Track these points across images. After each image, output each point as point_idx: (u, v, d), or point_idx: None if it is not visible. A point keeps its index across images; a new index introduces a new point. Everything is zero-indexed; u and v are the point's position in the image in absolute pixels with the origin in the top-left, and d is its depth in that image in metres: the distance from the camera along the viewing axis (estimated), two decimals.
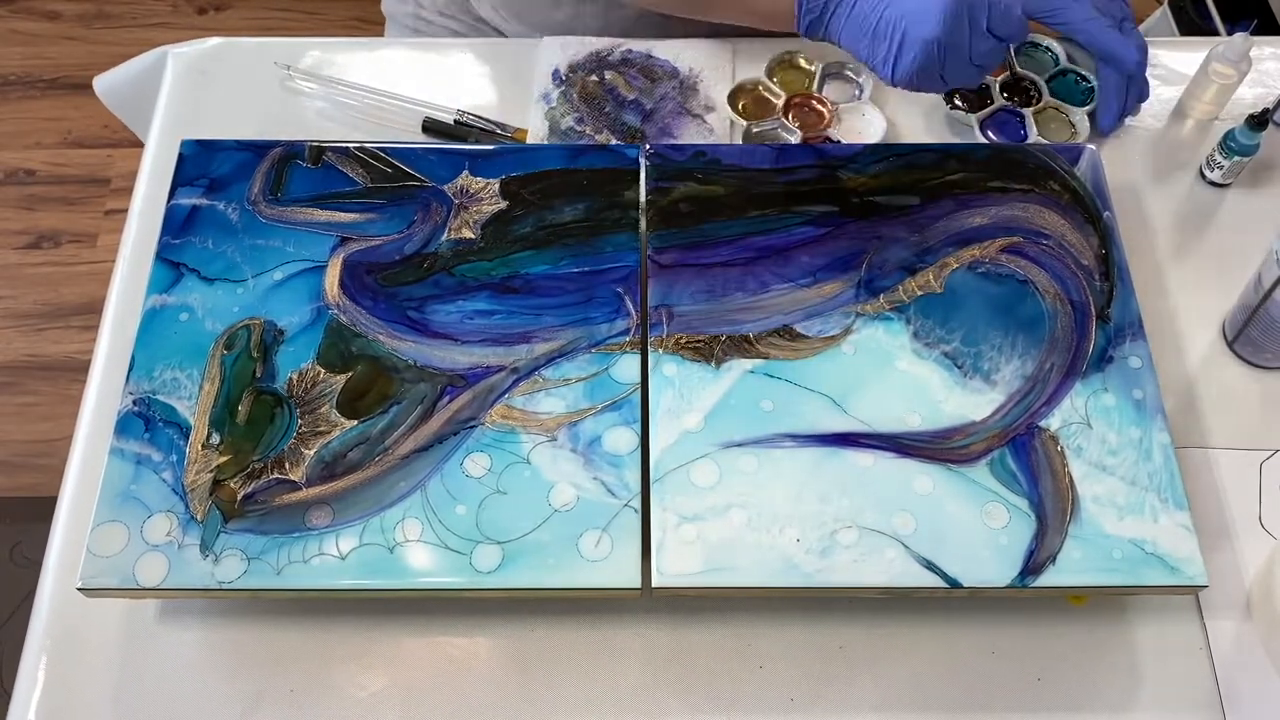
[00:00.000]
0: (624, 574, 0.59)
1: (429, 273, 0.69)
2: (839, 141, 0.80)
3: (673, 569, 0.59)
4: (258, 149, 0.74)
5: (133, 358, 0.65)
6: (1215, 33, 1.46)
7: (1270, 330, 0.69)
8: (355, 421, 0.64)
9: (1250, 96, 0.84)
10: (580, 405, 0.64)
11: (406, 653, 0.63)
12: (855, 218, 0.71)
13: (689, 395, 0.64)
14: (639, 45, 0.85)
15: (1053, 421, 0.64)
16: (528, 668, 0.63)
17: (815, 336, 0.66)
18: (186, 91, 0.84)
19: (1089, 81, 0.83)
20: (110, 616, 0.64)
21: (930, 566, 0.59)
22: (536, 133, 0.81)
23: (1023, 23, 0.70)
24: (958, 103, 0.83)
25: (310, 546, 0.60)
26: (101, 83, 0.90)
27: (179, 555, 0.59)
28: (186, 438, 0.63)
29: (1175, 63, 0.86)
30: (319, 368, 0.65)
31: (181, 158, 0.73)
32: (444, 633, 0.64)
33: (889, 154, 0.74)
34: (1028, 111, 0.82)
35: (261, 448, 0.63)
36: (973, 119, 0.81)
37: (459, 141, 0.80)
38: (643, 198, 0.72)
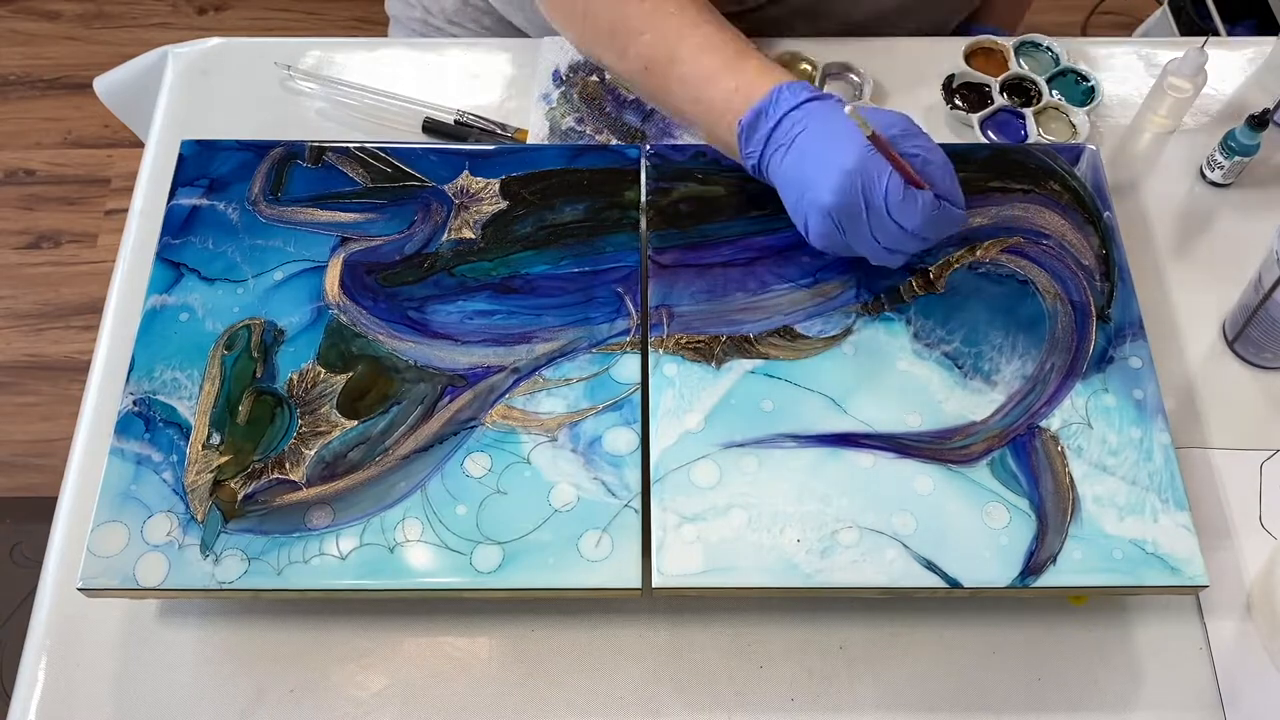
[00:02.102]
0: (624, 574, 0.59)
1: (429, 273, 0.69)
2: None
3: (673, 569, 0.59)
4: (258, 149, 0.74)
5: (133, 358, 0.65)
6: (1215, 33, 1.46)
7: (1270, 330, 0.69)
8: (355, 422, 0.64)
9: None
10: (581, 405, 0.64)
11: (406, 653, 0.63)
12: None
13: (689, 395, 0.64)
14: None
15: (1053, 422, 0.64)
16: (528, 668, 0.63)
17: (816, 337, 0.66)
18: (186, 91, 0.84)
19: (1089, 81, 0.83)
20: (110, 616, 0.64)
21: (930, 567, 0.59)
22: (537, 133, 0.81)
23: (928, 214, 0.61)
24: (958, 103, 0.83)
25: (310, 547, 0.60)
26: (102, 83, 0.90)
27: (179, 555, 0.59)
28: (187, 438, 0.63)
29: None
30: (319, 368, 0.65)
31: (182, 158, 0.73)
32: (444, 633, 0.64)
33: None
34: (1028, 111, 0.82)
35: (262, 448, 0.63)
36: (973, 119, 0.81)
37: (459, 141, 0.80)
38: (643, 198, 0.72)
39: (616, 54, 0.72)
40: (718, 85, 0.67)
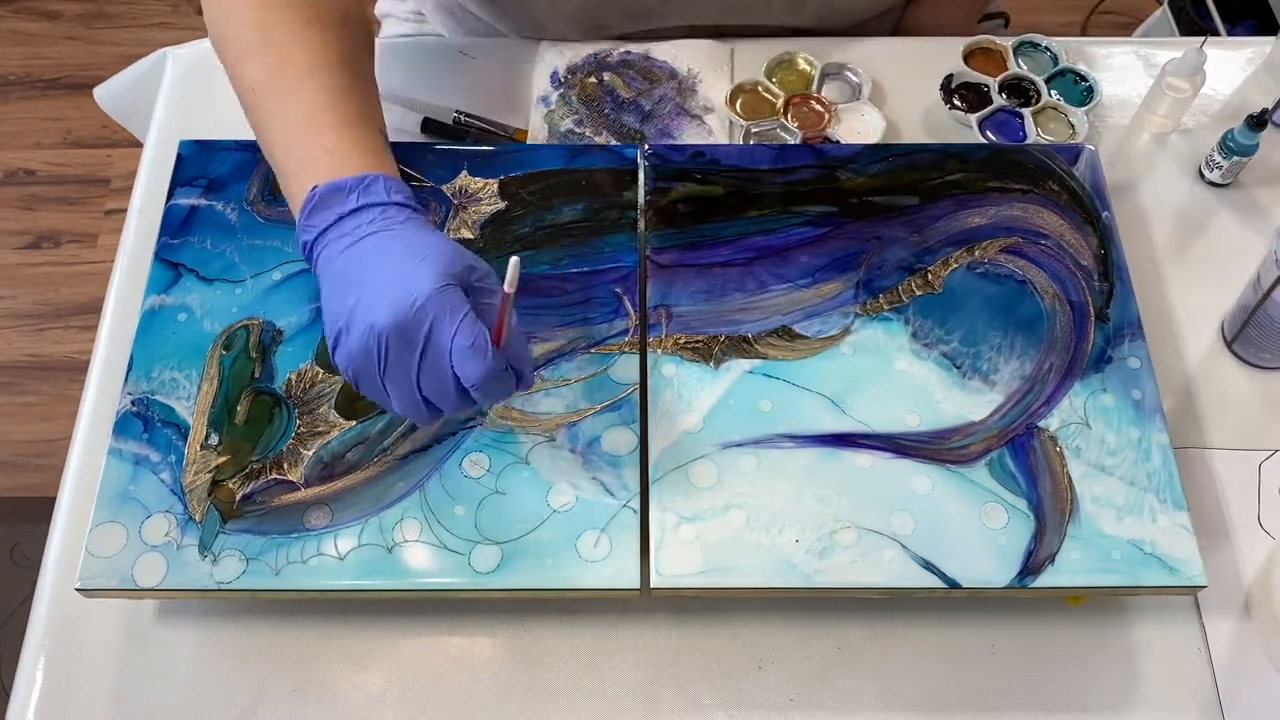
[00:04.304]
0: (623, 574, 0.59)
1: None
2: (838, 141, 0.80)
3: (672, 569, 0.59)
4: (256, 149, 0.73)
5: (131, 358, 0.65)
6: (1215, 33, 1.46)
7: (1269, 330, 0.69)
8: (354, 422, 0.64)
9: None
10: (579, 405, 0.64)
11: (406, 653, 0.63)
12: (854, 218, 0.71)
13: (688, 395, 0.64)
14: (637, 47, 0.85)
15: (1051, 422, 0.64)
16: (527, 668, 0.63)
17: (814, 337, 0.66)
18: (186, 92, 0.84)
19: (1088, 81, 0.83)
20: (109, 617, 0.64)
21: (929, 567, 0.59)
22: (536, 135, 0.81)
23: (493, 373, 0.53)
24: (956, 103, 0.83)
25: (309, 547, 0.60)
26: (102, 91, 0.90)
27: (177, 556, 0.59)
28: (185, 438, 0.63)
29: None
30: (318, 368, 0.65)
31: (180, 158, 0.73)
32: (444, 633, 0.64)
33: (888, 154, 0.74)
34: (1027, 111, 0.82)
35: (260, 448, 0.63)
36: (972, 119, 0.81)
37: (458, 141, 0.80)
38: (642, 198, 0.72)
39: (234, 58, 0.63)
40: (316, 139, 0.58)
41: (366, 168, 0.58)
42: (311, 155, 0.58)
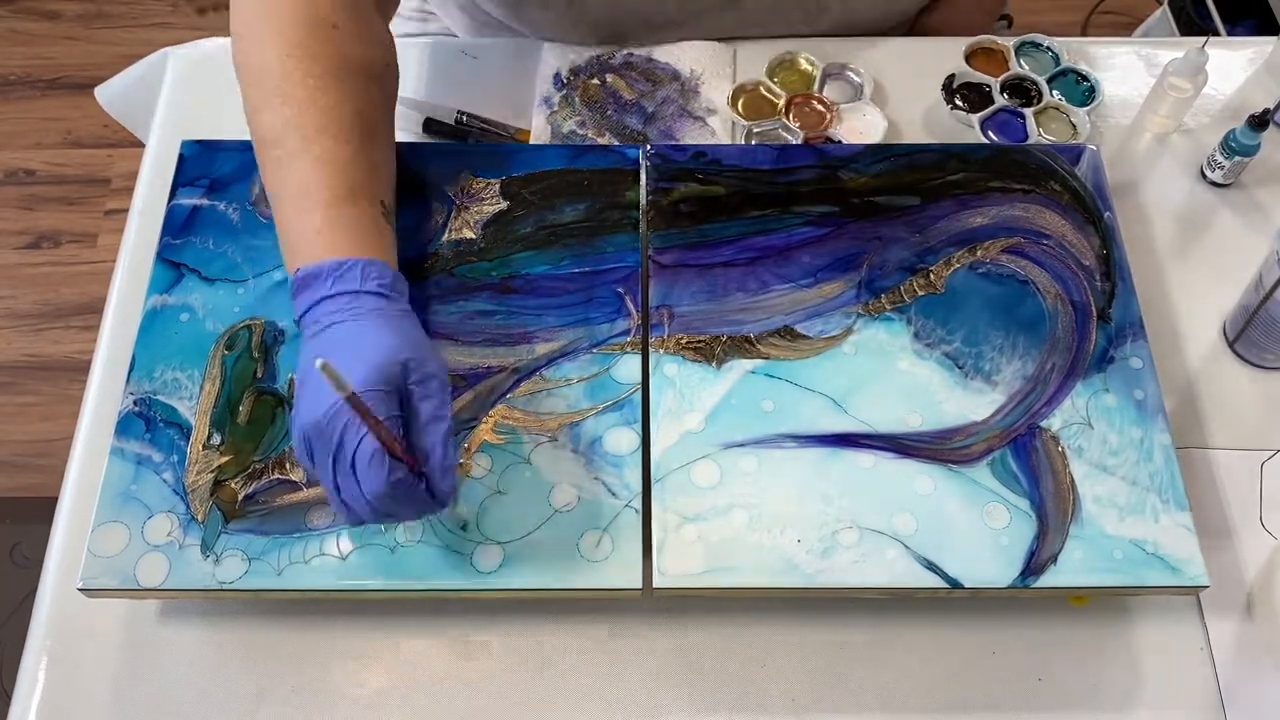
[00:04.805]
0: (625, 574, 0.59)
1: (429, 273, 0.69)
2: (840, 141, 0.80)
3: (674, 569, 0.59)
4: None
5: (133, 358, 0.65)
6: (1215, 33, 1.46)
7: (1271, 331, 0.69)
8: None
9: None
10: (581, 405, 0.64)
11: (406, 653, 0.63)
12: (856, 218, 0.71)
13: (690, 395, 0.64)
14: (640, 48, 0.85)
15: (1054, 422, 0.64)
16: (529, 668, 0.63)
17: (816, 337, 0.66)
18: (186, 92, 0.84)
19: (1089, 81, 0.83)
20: (111, 616, 0.64)
21: (931, 567, 0.59)
22: (538, 136, 0.81)
23: (394, 488, 0.53)
24: (958, 103, 0.83)
25: (311, 547, 0.60)
26: (103, 92, 0.90)
27: (180, 555, 0.59)
28: (187, 438, 0.63)
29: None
30: None
31: (182, 158, 0.73)
32: (445, 633, 0.64)
33: (890, 154, 0.74)
34: (1028, 111, 0.82)
35: (262, 448, 0.63)
36: (973, 119, 0.81)
37: (460, 141, 0.80)
38: (644, 198, 0.72)
39: (253, 106, 0.63)
40: (307, 218, 0.59)
41: (351, 250, 0.59)
42: (303, 235, 0.60)
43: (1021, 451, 0.63)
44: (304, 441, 0.54)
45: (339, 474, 0.54)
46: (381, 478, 0.52)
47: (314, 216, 0.60)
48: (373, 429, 0.52)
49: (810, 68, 0.84)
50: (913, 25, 0.96)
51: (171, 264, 0.69)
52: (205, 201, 0.71)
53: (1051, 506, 0.61)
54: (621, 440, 0.63)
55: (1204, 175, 0.80)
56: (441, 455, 0.55)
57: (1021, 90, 0.84)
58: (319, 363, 0.48)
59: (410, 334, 0.58)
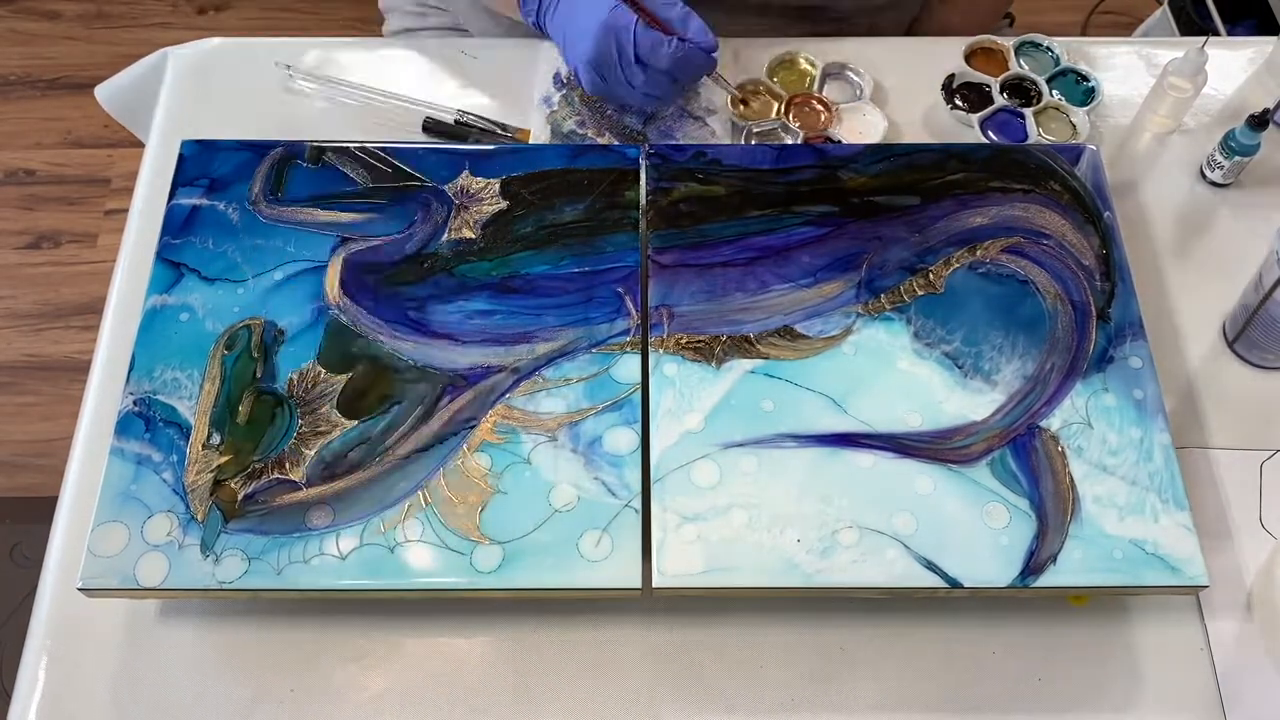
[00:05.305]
0: (624, 574, 0.59)
1: (429, 273, 0.69)
2: (839, 141, 0.80)
3: (673, 569, 0.59)
4: (258, 149, 0.74)
5: (133, 358, 0.65)
6: (1215, 33, 1.46)
7: (1271, 330, 0.69)
8: (356, 421, 0.64)
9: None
10: (581, 405, 0.64)
11: (406, 653, 0.63)
12: (856, 218, 0.71)
13: (689, 395, 0.64)
14: None
15: (1053, 422, 0.64)
16: (528, 668, 0.63)
17: (816, 337, 0.66)
18: (186, 92, 0.84)
19: (1089, 81, 0.83)
20: (110, 616, 0.64)
21: (931, 567, 0.59)
22: (538, 136, 0.81)
23: (673, 56, 0.72)
24: (958, 103, 0.83)
25: (311, 546, 0.60)
26: (103, 90, 0.90)
27: (179, 555, 0.59)
28: (187, 438, 0.63)
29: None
30: (319, 368, 0.65)
31: (182, 158, 0.73)
32: (444, 633, 0.64)
33: (889, 154, 0.74)
34: (1028, 111, 0.82)
35: (262, 448, 0.63)
36: (973, 119, 0.81)
37: (459, 141, 0.80)
38: (643, 198, 0.72)
39: None
40: None
41: None
42: None
43: (1021, 451, 0.63)
44: (591, 70, 0.73)
45: (628, 74, 0.72)
46: (663, 53, 0.71)
47: None
48: (641, 12, 0.71)
49: (810, 68, 0.84)
50: (917, 25, 0.96)
51: (171, 264, 0.69)
52: (205, 201, 0.71)
53: (1051, 506, 0.61)
54: (621, 440, 0.63)
55: (1204, 175, 0.80)
56: (697, 22, 0.73)
57: (1021, 90, 0.84)
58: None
59: None
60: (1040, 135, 0.81)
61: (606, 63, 0.72)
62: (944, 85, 0.83)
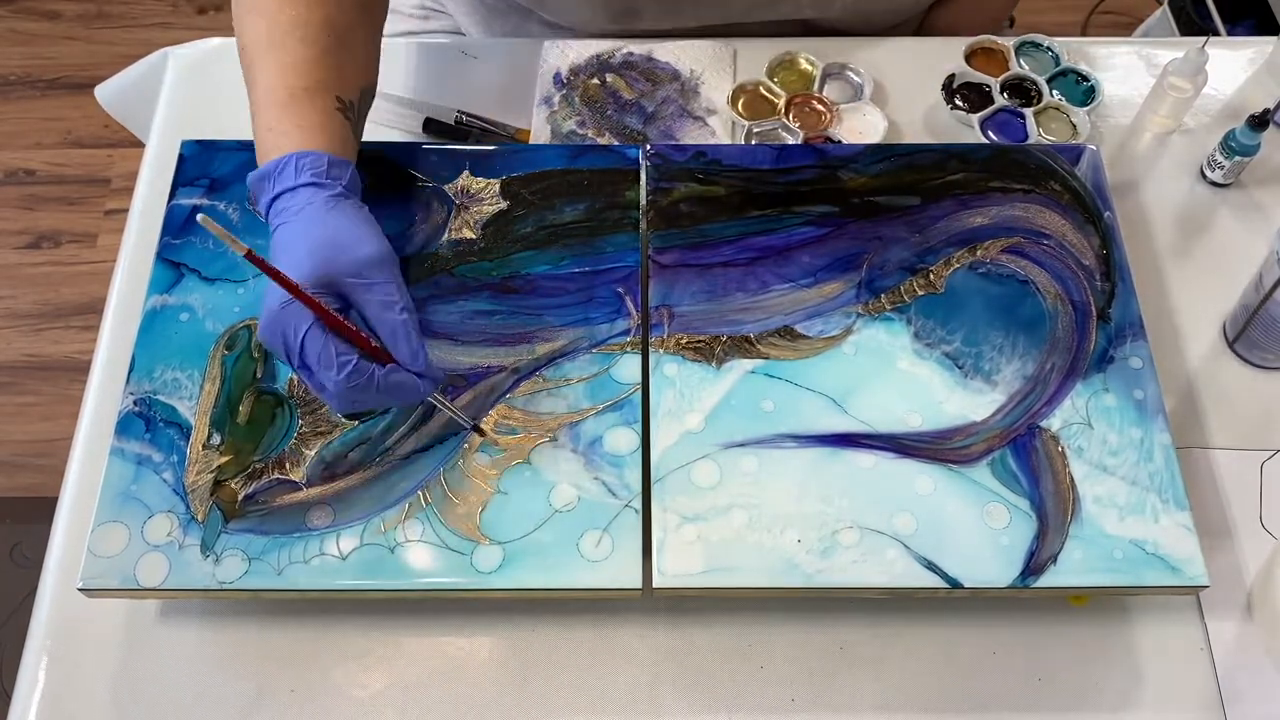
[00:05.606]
0: (625, 574, 0.59)
1: (429, 273, 0.69)
2: (840, 141, 0.80)
3: (674, 569, 0.59)
4: None
5: (133, 358, 0.65)
6: (1215, 33, 1.46)
7: (1271, 330, 0.69)
8: (356, 422, 0.63)
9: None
10: (581, 405, 0.64)
11: (406, 653, 0.63)
12: (856, 218, 0.71)
13: (690, 395, 0.64)
14: (640, 47, 0.85)
15: (1053, 422, 0.64)
16: (528, 668, 0.63)
17: (816, 337, 0.66)
18: (186, 92, 0.84)
19: (1089, 81, 0.83)
20: (111, 616, 0.64)
21: (931, 567, 0.59)
22: (538, 136, 0.81)
23: (353, 380, 0.53)
24: (958, 103, 0.83)
25: (311, 547, 0.60)
26: (103, 90, 0.90)
27: (180, 555, 0.59)
28: (187, 438, 0.63)
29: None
30: None
31: (182, 158, 0.73)
32: (444, 633, 0.64)
33: (890, 154, 0.74)
34: (1028, 111, 0.82)
35: (262, 448, 0.63)
36: (973, 119, 0.81)
37: (459, 141, 0.80)
38: (643, 198, 0.72)
39: (235, 17, 0.65)
40: (264, 116, 0.61)
41: (299, 145, 0.59)
42: (260, 135, 0.61)
43: (1021, 451, 0.63)
44: (263, 350, 0.59)
45: (300, 370, 0.54)
46: (333, 368, 0.52)
47: (269, 115, 0.61)
48: (313, 309, 0.52)
49: (810, 68, 0.84)
50: (921, 25, 0.96)
51: (171, 264, 0.69)
52: (205, 201, 0.71)
53: (1051, 506, 0.61)
54: (621, 440, 0.63)
55: (1204, 175, 0.80)
56: (404, 338, 0.54)
57: (1021, 90, 0.84)
58: (199, 217, 0.49)
59: (337, 223, 0.55)
60: (1040, 135, 0.81)
61: (279, 355, 0.55)
62: (944, 85, 0.83)
